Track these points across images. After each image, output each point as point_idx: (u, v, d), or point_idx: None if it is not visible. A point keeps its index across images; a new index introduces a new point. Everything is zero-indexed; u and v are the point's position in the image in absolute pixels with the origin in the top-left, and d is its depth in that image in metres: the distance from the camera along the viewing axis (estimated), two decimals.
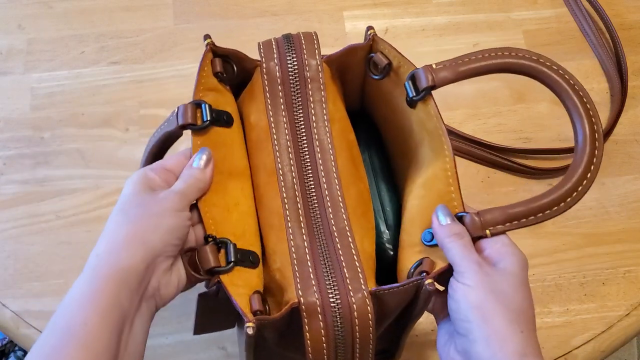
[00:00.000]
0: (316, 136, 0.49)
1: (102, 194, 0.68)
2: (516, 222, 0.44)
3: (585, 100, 0.45)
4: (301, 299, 0.43)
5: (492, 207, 0.45)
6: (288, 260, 0.46)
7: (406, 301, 0.45)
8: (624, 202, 0.68)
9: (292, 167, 0.49)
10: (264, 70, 0.51)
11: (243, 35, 0.78)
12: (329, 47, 0.54)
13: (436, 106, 0.48)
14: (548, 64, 0.46)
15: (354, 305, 0.43)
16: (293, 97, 0.50)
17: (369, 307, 0.43)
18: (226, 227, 0.46)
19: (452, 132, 0.71)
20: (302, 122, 0.50)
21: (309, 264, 0.45)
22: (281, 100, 0.50)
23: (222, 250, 0.45)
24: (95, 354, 0.37)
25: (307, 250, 0.46)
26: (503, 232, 0.44)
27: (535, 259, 0.65)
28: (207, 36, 0.50)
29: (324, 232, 0.47)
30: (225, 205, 0.47)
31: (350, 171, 0.50)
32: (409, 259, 0.47)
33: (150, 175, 0.45)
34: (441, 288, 0.45)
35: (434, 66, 0.47)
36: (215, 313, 0.47)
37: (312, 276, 0.44)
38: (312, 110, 0.50)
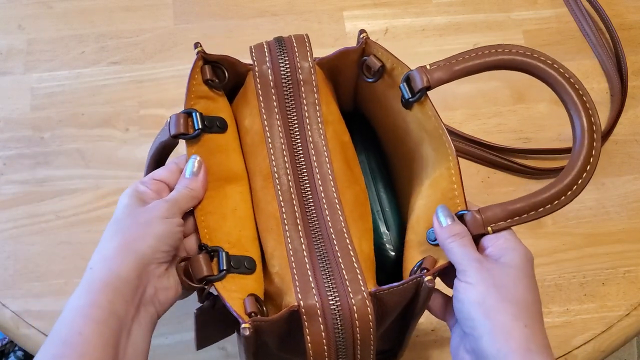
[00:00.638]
0: (310, 138, 0.49)
1: (102, 194, 0.68)
2: (517, 217, 0.44)
3: (581, 93, 0.45)
4: (301, 302, 0.43)
5: (481, 203, 0.45)
6: (286, 264, 0.46)
7: (406, 300, 0.45)
8: (624, 202, 0.68)
9: (288, 170, 0.49)
10: (257, 74, 0.51)
11: (243, 36, 0.78)
12: (329, 47, 0.54)
13: (433, 106, 0.48)
14: (542, 58, 0.46)
15: (354, 307, 0.43)
16: (286, 100, 0.50)
17: (369, 309, 0.43)
18: (220, 234, 0.46)
19: (452, 132, 0.71)
20: (296, 125, 0.50)
21: (308, 267, 0.45)
22: (274, 103, 0.50)
23: (215, 259, 0.45)
24: None
25: (305, 253, 0.46)
26: (505, 229, 0.44)
27: (535, 259, 0.64)
28: (197, 44, 0.51)
29: (321, 235, 0.47)
30: (221, 212, 0.48)
31: (346, 173, 0.50)
32: (414, 258, 0.47)
33: (141, 189, 0.46)
34: (450, 293, 0.46)
35: (428, 67, 0.47)
36: (214, 325, 0.47)
37: (311, 279, 0.44)
38: (306, 113, 0.50)
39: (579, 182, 0.44)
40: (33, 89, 0.74)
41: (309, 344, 0.43)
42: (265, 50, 0.51)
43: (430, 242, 0.46)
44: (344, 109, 0.55)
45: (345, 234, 0.47)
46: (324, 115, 0.50)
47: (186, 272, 0.44)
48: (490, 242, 0.45)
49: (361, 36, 0.51)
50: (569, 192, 0.44)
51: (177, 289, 0.45)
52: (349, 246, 0.46)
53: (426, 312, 0.60)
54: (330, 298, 0.43)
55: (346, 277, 0.44)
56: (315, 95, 0.50)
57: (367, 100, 0.56)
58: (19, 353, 0.97)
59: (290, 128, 0.50)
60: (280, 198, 0.48)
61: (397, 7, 0.80)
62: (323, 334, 0.43)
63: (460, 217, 0.45)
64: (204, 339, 0.49)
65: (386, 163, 0.60)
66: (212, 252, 0.45)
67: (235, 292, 0.44)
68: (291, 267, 0.45)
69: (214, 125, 0.49)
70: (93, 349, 0.38)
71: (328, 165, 0.49)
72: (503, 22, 0.79)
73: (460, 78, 0.47)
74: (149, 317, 0.43)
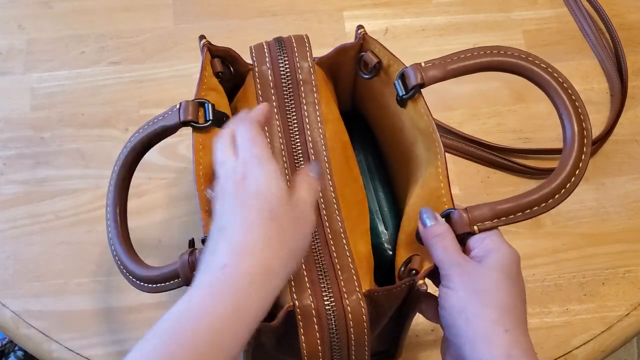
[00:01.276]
0: (310, 138, 0.49)
1: (102, 194, 0.68)
2: (504, 218, 0.44)
3: (574, 98, 0.45)
4: (296, 302, 0.43)
5: (480, 203, 0.45)
6: None
7: (400, 301, 0.45)
8: (623, 202, 0.68)
9: (287, 171, 0.49)
10: (256, 74, 0.51)
11: (243, 36, 0.78)
12: (329, 47, 0.54)
13: (426, 104, 0.48)
14: (537, 62, 0.46)
15: (348, 308, 0.43)
16: (286, 101, 0.50)
17: (363, 309, 0.43)
18: None
19: (451, 132, 0.71)
20: (296, 125, 0.50)
21: (303, 267, 0.45)
22: (274, 104, 0.50)
23: None
24: None
25: None
26: (491, 228, 0.44)
27: (535, 259, 0.65)
28: (202, 37, 0.51)
29: (318, 235, 0.46)
30: None
31: (344, 173, 0.50)
32: (404, 257, 0.47)
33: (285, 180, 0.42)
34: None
35: (423, 64, 0.47)
36: None
37: (306, 279, 0.44)
38: (305, 113, 0.50)
39: (567, 185, 0.44)
40: (33, 89, 0.74)
41: (304, 344, 0.43)
42: (265, 50, 0.51)
43: (419, 241, 0.46)
44: (343, 108, 0.55)
45: (342, 235, 0.47)
46: (323, 114, 0.50)
47: (191, 264, 0.43)
48: (476, 243, 0.44)
49: (359, 32, 0.51)
50: (557, 195, 0.44)
51: None
52: (346, 247, 0.46)
53: None
54: (325, 299, 0.43)
55: (341, 277, 0.44)
56: (315, 95, 0.50)
57: (365, 99, 0.56)
58: (19, 353, 0.97)
59: (290, 128, 0.50)
60: None
61: (397, 7, 0.80)
62: (317, 334, 0.43)
63: (447, 216, 0.45)
64: None
65: (384, 163, 0.60)
66: None
67: None
68: None
69: (222, 120, 0.49)
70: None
71: (327, 164, 0.49)
72: (503, 22, 0.79)
73: (454, 77, 0.47)
74: None
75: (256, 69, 0.51)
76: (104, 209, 0.67)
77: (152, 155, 0.69)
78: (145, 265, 0.47)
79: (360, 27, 0.51)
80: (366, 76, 0.52)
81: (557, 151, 0.70)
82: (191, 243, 0.46)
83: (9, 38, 0.77)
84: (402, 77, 0.48)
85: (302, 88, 0.50)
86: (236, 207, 0.39)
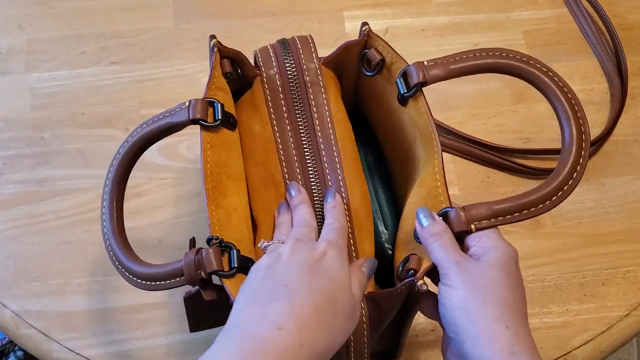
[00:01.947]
0: (321, 140, 0.49)
1: None
2: (501, 217, 0.44)
3: (573, 102, 0.45)
4: None
5: (478, 202, 0.45)
6: None
7: (400, 302, 0.45)
8: (623, 202, 0.68)
9: (299, 176, 0.49)
10: (265, 79, 0.51)
11: (243, 36, 0.78)
12: (330, 47, 0.54)
13: (427, 103, 0.48)
14: (538, 65, 0.46)
15: None
16: (295, 104, 0.50)
17: (363, 311, 0.43)
18: (228, 231, 0.46)
19: (452, 132, 0.71)
20: (307, 127, 0.50)
21: None
22: (283, 108, 0.50)
23: (226, 254, 0.44)
24: None
25: None
26: (488, 228, 0.44)
27: (535, 259, 0.65)
28: (212, 36, 0.51)
29: None
30: (226, 209, 0.47)
31: (354, 173, 0.50)
32: (403, 257, 0.47)
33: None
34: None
35: (425, 63, 0.48)
36: (204, 311, 0.47)
37: None
38: (315, 114, 0.50)
39: (565, 188, 0.44)
40: (33, 88, 0.74)
41: None
42: (271, 54, 0.51)
43: (417, 240, 0.46)
44: (345, 108, 0.55)
45: (351, 237, 0.47)
46: (333, 113, 0.50)
47: (197, 263, 0.43)
48: (474, 241, 0.44)
49: (363, 28, 0.51)
50: (554, 197, 0.44)
51: None
52: (352, 247, 0.47)
53: None
54: None
55: None
56: (324, 95, 0.50)
57: (367, 98, 0.56)
58: (19, 353, 0.97)
59: (301, 131, 0.50)
60: None
61: (397, 7, 0.80)
62: None
63: (444, 215, 0.45)
64: (195, 323, 0.48)
65: (384, 163, 0.60)
66: (224, 247, 0.44)
67: None
68: None
69: (229, 120, 0.49)
70: None
71: (338, 165, 0.49)
72: (503, 22, 0.79)
73: (456, 77, 0.47)
74: None
75: (264, 74, 0.51)
76: None
77: (152, 155, 0.69)
78: (143, 262, 0.46)
79: (365, 24, 0.52)
80: (369, 73, 0.52)
81: (557, 151, 0.70)
82: (192, 242, 0.46)
83: (9, 38, 0.77)
84: (404, 75, 0.48)
85: (310, 90, 0.50)
86: (306, 275, 0.40)
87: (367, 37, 0.52)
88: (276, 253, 0.43)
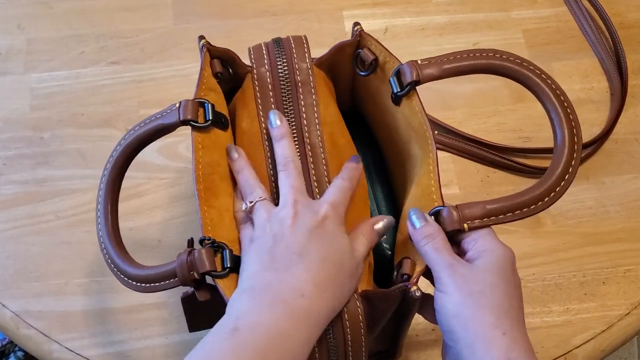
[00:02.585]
0: (308, 140, 0.49)
1: None
2: (494, 217, 0.44)
3: (566, 105, 0.45)
4: None
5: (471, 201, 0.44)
6: None
7: (396, 303, 0.45)
8: (623, 201, 0.68)
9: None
10: (255, 76, 0.50)
11: (243, 35, 0.78)
12: (329, 47, 0.54)
13: (420, 102, 0.48)
14: (532, 67, 0.46)
15: (345, 308, 0.43)
16: (284, 102, 0.50)
17: (359, 309, 0.43)
18: (221, 231, 0.46)
19: (451, 132, 0.71)
20: (294, 127, 0.50)
21: None
22: (272, 106, 0.50)
23: (218, 255, 0.44)
24: None
25: None
26: (481, 227, 0.43)
27: (535, 259, 0.65)
28: (201, 37, 0.51)
29: None
30: (219, 209, 0.47)
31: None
32: (399, 257, 0.47)
33: None
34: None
35: (419, 62, 0.47)
36: (202, 311, 0.47)
37: None
38: (304, 114, 0.50)
39: (557, 189, 0.44)
40: (33, 89, 0.74)
41: None
42: (264, 51, 0.51)
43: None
44: (342, 108, 0.55)
45: None
46: (321, 116, 0.50)
47: (189, 264, 0.43)
48: (470, 244, 0.43)
49: (355, 29, 0.51)
50: (547, 198, 0.44)
51: None
52: None
53: None
54: None
55: None
56: (314, 96, 0.50)
57: (363, 98, 0.56)
58: (19, 353, 0.97)
59: (292, 130, 0.50)
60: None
61: (396, 7, 0.80)
62: None
63: (437, 214, 0.44)
64: (194, 323, 0.48)
65: (383, 162, 0.60)
66: (217, 248, 0.44)
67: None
68: None
69: (220, 120, 0.49)
70: None
71: (325, 167, 0.49)
72: (503, 22, 0.79)
73: (450, 77, 0.47)
74: None
75: (255, 70, 0.51)
76: None
77: (152, 155, 0.69)
78: (137, 264, 0.46)
79: (356, 24, 0.51)
80: (363, 73, 0.52)
81: None
82: (190, 243, 0.46)
83: (9, 38, 0.77)
84: (398, 74, 0.48)
85: (300, 89, 0.50)
86: (314, 243, 0.43)
87: (359, 37, 0.51)
88: (277, 219, 0.44)
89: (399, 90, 0.48)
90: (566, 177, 0.44)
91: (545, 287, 0.64)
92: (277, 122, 0.49)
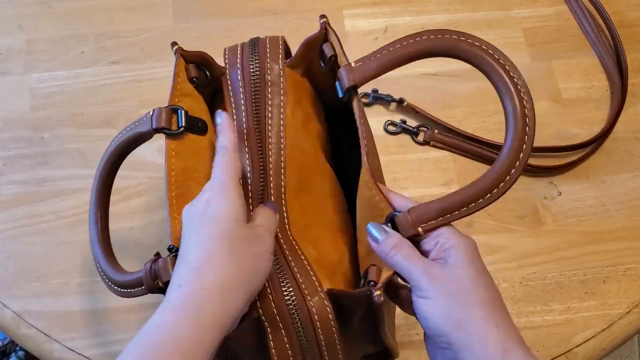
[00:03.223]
0: (270, 139, 0.48)
1: None
2: (448, 215, 0.42)
3: (512, 74, 0.42)
4: (260, 310, 0.43)
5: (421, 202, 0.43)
6: None
7: (363, 306, 0.44)
8: (624, 199, 0.68)
9: (249, 173, 0.48)
10: (228, 76, 0.50)
11: (242, 35, 0.77)
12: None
13: (359, 107, 0.46)
14: (470, 40, 0.43)
15: (313, 309, 0.42)
16: (254, 101, 0.49)
17: (328, 308, 0.42)
18: None
19: (451, 130, 0.71)
20: (259, 126, 0.49)
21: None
22: (242, 107, 0.49)
23: None
24: None
25: None
26: (436, 227, 0.42)
27: (535, 257, 0.65)
28: (174, 43, 0.50)
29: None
30: None
31: (296, 184, 0.49)
32: (363, 267, 0.46)
33: (242, 205, 0.43)
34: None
35: (353, 64, 0.46)
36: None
37: (267, 285, 0.43)
38: (269, 114, 0.49)
39: (512, 171, 0.41)
40: (33, 89, 0.74)
41: (273, 350, 0.42)
42: (238, 52, 0.50)
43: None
44: (330, 104, 0.54)
45: (294, 242, 0.46)
46: (287, 119, 0.49)
47: (152, 273, 0.43)
48: (429, 244, 0.42)
49: (321, 21, 0.50)
50: (502, 184, 0.41)
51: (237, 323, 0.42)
52: (298, 251, 0.46)
53: None
54: (287, 302, 0.42)
55: (300, 280, 0.43)
56: (282, 97, 0.49)
57: None
58: (20, 353, 0.97)
59: (257, 128, 0.49)
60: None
61: (396, 6, 0.80)
62: (285, 338, 0.42)
63: (392, 221, 0.43)
64: None
65: None
66: None
67: None
68: None
69: (196, 125, 0.49)
70: None
71: (283, 176, 0.48)
72: (503, 20, 0.79)
73: (388, 71, 0.45)
74: None
75: (227, 70, 0.50)
76: None
77: (152, 155, 0.69)
78: (120, 269, 0.47)
79: (322, 16, 0.50)
80: (325, 67, 0.51)
81: (556, 149, 0.70)
82: (158, 254, 0.45)
83: (9, 38, 0.77)
84: (338, 78, 0.47)
85: (269, 89, 0.49)
86: (195, 229, 0.41)
87: (325, 31, 0.50)
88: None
89: (342, 95, 0.47)
90: (520, 155, 0.41)
91: (545, 286, 0.64)
92: (218, 119, 0.48)
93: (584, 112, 0.73)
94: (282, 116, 0.49)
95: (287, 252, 0.45)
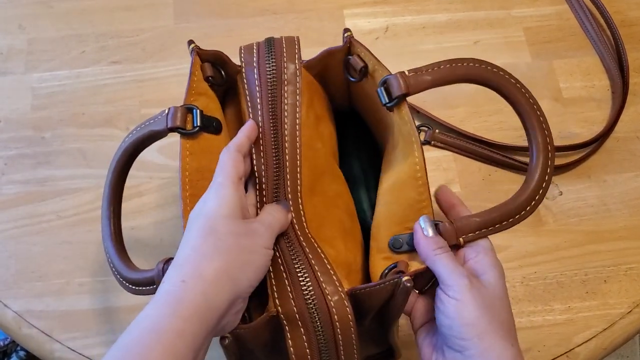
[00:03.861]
0: (287, 138, 0.49)
1: None
2: (485, 230, 0.45)
3: (539, 113, 0.46)
4: (279, 308, 0.43)
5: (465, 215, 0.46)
6: None
7: (382, 301, 0.45)
8: (625, 199, 0.68)
9: (263, 172, 0.48)
10: (244, 74, 0.50)
11: (243, 34, 0.78)
12: (329, 46, 0.54)
13: (409, 112, 0.47)
14: (507, 77, 0.47)
15: (333, 309, 0.43)
16: (270, 99, 0.49)
17: (347, 309, 0.43)
18: None
19: (453, 130, 0.71)
20: (275, 125, 0.49)
21: (283, 271, 0.44)
22: (258, 105, 0.49)
23: None
24: None
25: (280, 259, 0.45)
26: (474, 240, 0.45)
27: (536, 257, 0.65)
28: (191, 41, 0.50)
29: (292, 244, 0.46)
30: None
31: (309, 183, 0.49)
32: (378, 264, 0.47)
33: (244, 200, 0.44)
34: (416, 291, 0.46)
35: (407, 73, 0.47)
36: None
37: (287, 283, 0.44)
38: (286, 112, 0.49)
39: (537, 196, 0.46)
40: (33, 88, 0.74)
41: (291, 349, 0.43)
42: (254, 50, 0.51)
43: (394, 250, 0.46)
44: (339, 108, 0.55)
45: (312, 239, 0.47)
46: (302, 118, 0.49)
47: (164, 273, 0.43)
48: (470, 255, 0.45)
49: (345, 35, 0.51)
50: (529, 207, 0.46)
51: (238, 320, 0.42)
52: (318, 249, 0.46)
53: None
54: (308, 301, 0.43)
55: (321, 279, 0.44)
56: (298, 97, 0.49)
57: (359, 98, 0.56)
58: (21, 353, 0.98)
59: (272, 127, 0.49)
60: (257, 205, 0.48)
61: (397, 5, 0.80)
62: (304, 337, 0.43)
63: (436, 227, 0.45)
64: None
65: (380, 160, 0.59)
66: None
67: None
68: (267, 272, 0.45)
69: (211, 125, 0.49)
70: None
71: (299, 169, 0.48)
72: (504, 19, 0.79)
73: (436, 87, 0.47)
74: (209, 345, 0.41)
75: (244, 69, 0.50)
76: None
77: (152, 155, 0.69)
78: (132, 266, 0.47)
79: (347, 30, 0.51)
80: (353, 79, 0.52)
81: (558, 149, 0.70)
82: None
83: (9, 38, 0.77)
84: (385, 84, 0.48)
85: (285, 88, 0.50)
86: (189, 229, 0.42)
87: (349, 44, 0.51)
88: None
89: (387, 101, 0.48)
90: (543, 185, 0.46)
91: (546, 286, 0.64)
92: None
93: (585, 112, 0.73)
94: (297, 115, 0.49)
95: (308, 250, 0.46)
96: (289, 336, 0.43)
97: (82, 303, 0.63)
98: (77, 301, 0.63)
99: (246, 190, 0.49)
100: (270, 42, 0.51)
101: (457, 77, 0.47)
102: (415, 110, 0.72)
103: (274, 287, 0.44)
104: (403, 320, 0.62)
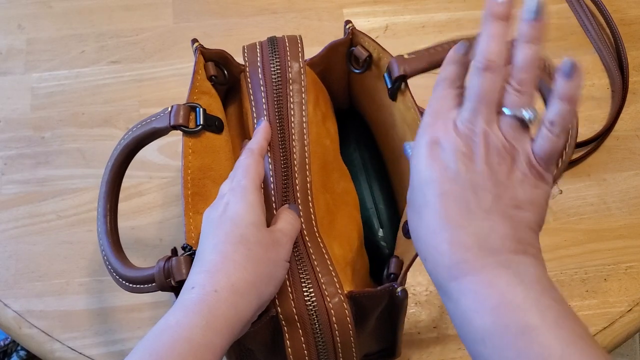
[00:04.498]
0: (294, 137, 0.49)
1: None
2: None
3: None
4: (278, 308, 0.43)
5: None
6: None
7: (383, 303, 0.45)
8: (625, 197, 0.68)
9: (271, 172, 0.48)
10: (248, 73, 0.50)
11: (242, 34, 0.78)
12: None
13: (412, 97, 0.48)
14: None
15: (332, 311, 0.43)
16: (275, 99, 0.50)
17: (346, 311, 0.43)
18: None
19: None
20: (282, 124, 0.49)
21: (285, 275, 0.44)
22: (263, 105, 0.49)
23: None
24: None
25: None
26: None
27: None
28: (194, 40, 0.50)
29: (297, 243, 0.46)
30: None
31: (321, 180, 0.50)
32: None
33: (264, 206, 0.43)
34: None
35: (405, 56, 0.48)
36: None
37: (287, 284, 0.44)
38: (292, 112, 0.49)
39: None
40: (33, 88, 0.74)
41: (289, 349, 0.43)
42: (258, 50, 0.51)
43: (406, 236, 0.46)
44: (340, 107, 0.55)
45: (319, 239, 0.47)
46: (309, 116, 0.50)
47: (165, 271, 0.43)
48: None
49: (347, 27, 0.51)
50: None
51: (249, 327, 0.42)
52: (323, 249, 0.46)
53: (427, 310, 0.60)
54: (307, 303, 0.43)
55: (322, 280, 0.44)
56: (303, 95, 0.50)
57: (359, 95, 0.56)
58: (22, 353, 0.98)
59: (278, 127, 0.49)
60: (272, 206, 0.48)
61: (397, 4, 0.80)
62: (302, 338, 0.43)
63: None
64: None
65: (380, 160, 0.59)
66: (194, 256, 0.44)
67: None
68: None
69: (213, 124, 0.49)
70: None
71: (307, 167, 0.48)
72: None
73: (435, 68, 0.47)
74: None
75: (247, 68, 0.51)
76: None
77: (152, 155, 0.69)
78: (129, 264, 0.46)
79: (348, 22, 0.51)
80: (357, 71, 0.52)
81: None
82: (174, 251, 0.45)
83: (9, 38, 0.77)
84: (388, 68, 0.49)
85: (290, 87, 0.50)
86: (213, 231, 0.41)
87: (351, 35, 0.51)
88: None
89: (390, 85, 0.48)
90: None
91: None
92: (258, 124, 0.48)
93: (585, 111, 0.73)
94: (304, 113, 0.49)
95: (311, 251, 0.46)
96: (287, 337, 0.43)
97: (82, 303, 0.63)
98: (77, 301, 0.63)
99: None
100: (273, 41, 0.51)
101: None
102: (421, 113, 0.72)
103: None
104: None
